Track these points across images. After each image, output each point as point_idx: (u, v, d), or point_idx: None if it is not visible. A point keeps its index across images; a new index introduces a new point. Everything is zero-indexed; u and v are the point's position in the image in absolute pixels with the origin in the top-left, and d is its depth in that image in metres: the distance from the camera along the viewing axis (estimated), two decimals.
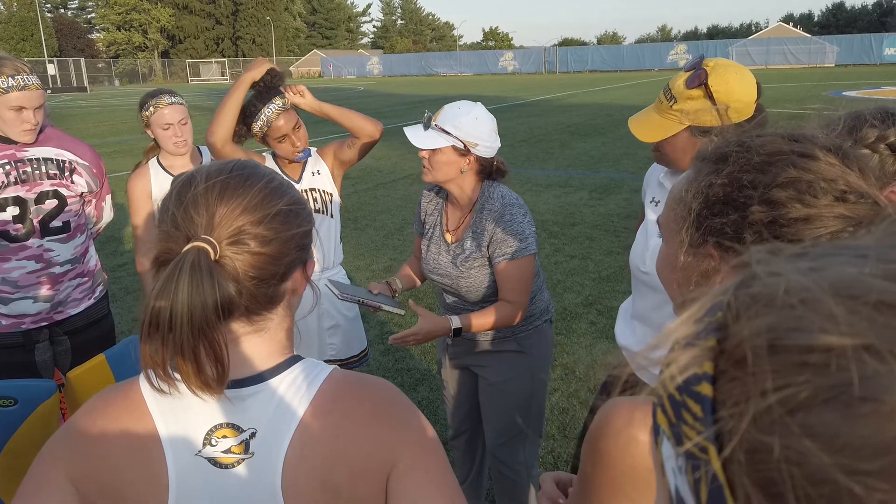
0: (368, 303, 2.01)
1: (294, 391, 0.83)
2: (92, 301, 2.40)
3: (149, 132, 2.60)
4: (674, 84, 1.54)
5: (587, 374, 3.76)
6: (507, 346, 2.17)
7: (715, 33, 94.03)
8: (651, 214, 1.76)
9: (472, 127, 1.95)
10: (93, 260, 2.43)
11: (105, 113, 23.87)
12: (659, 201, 1.76)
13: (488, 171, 2.04)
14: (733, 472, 0.28)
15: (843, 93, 19.58)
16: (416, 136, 1.97)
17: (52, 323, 2.31)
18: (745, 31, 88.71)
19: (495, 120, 2.03)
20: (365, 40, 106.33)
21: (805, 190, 0.69)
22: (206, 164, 0.87)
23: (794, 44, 44.25)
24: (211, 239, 0.77)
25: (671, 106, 1.53)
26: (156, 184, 2.74)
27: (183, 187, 0.82)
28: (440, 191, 2.18)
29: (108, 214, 2.55)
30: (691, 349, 0.32)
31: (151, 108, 2.57)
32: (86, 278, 2.38)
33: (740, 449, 0.28)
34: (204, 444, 0.81)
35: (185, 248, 0.76)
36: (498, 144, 2.03)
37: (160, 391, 0.79)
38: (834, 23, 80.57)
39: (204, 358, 0.74)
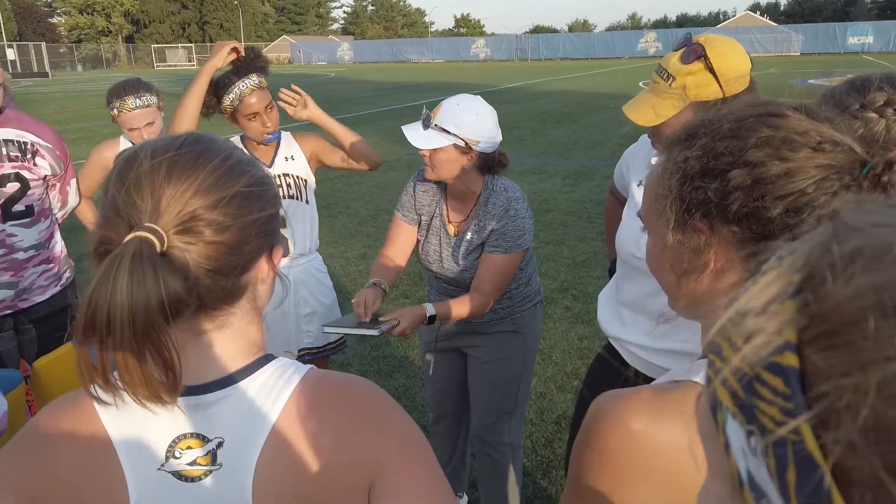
0: (350, 334, 1.95)
1: (265, 395, 0.75)
2: (58, 288, 2.33)
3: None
4: (668, 63, 1.51)
5: (563, 360, 3.77)
6: (502, 327, 2.18)
7: (684, 21, 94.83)
8: (640, 196, 1.75)
9: (472, 124, 1.90)
10: (58, 246, 2.35)
11: (68, 99, 23.24)
12: None
13: (490, 164, 2.01)
14: (845, 454, 0.25)
15: (809, 81, 19.91)
16: (416, 135, 1.92)
17: (16, 311, 2.23)
18: (714, 20, 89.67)
19: (496, 112, 1.99)
20: (335, 26, 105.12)
21: (780, 146, 0.69)
22: (152, 140, 0.75)
23: (761, 32, 44.80)
24: (156, 227, 0.66)
25: (670, 85, 1.49)
26: None
27: (125, 166, 0.71)
28: (438, 181, 2.14)
29: (73, 199, 2.47)
30: (766, 316, 0.29)
31: (115, 110, 2.56)
32: (51, 265, 2.30)
33: (854, 427, 0.24)
34: (167, 457, 0.73)
35: (126, 238, 0.65)
36: (499, 138, 1.99)
37: (103, 403, 0.70)
38: (799, 12, 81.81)
39: (151, 364, 0.65)
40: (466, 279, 2.07)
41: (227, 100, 2.21)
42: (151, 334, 0.64)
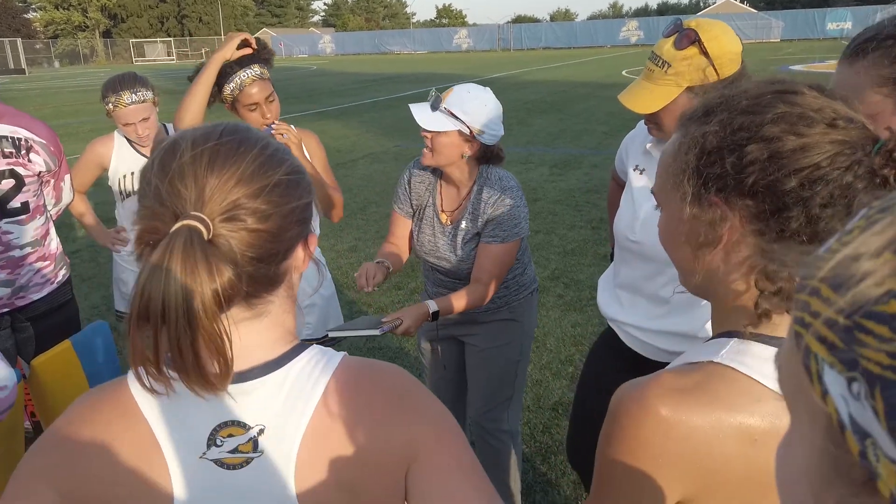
0: (356, 336, 1.95)
1: (303, 382, 0.76)
2: (55, 286, 2.31)
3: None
4: (661, 51, 1.53)
5: (558, 347, 3.81)
6: (499, 316, 2.19)
7: (665, 9, 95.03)
8: (637, 181, 1.77)
9: (480, 113, 1.92)
10: (54, 243, 2.34)
11: (46, 95, 22.89)
12: (644, 169, 1.76)
13: (488, 157, 2.03)
14: None
15: (790, 67, 20.07)
16: (424, 116, 1.93)
17: (13, 309, 2.21)
18: (695, 8, 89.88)
19: (501, 107, 2.01)
20: (316, 18, 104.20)
21: (796, 121, 0.71)
22: (191, 129, 0.75)
23: (742, 19, 45.02)
24: (202, 216, 0.67)
25: (665, 72, 1.52)
26: (117, 156, 2.71)
27: (166, 156, 0.71)
28: (433, 169, 2.14)
29: (67, 195, 2.44)
30: (880, 260, 0.29)
31: (111, 105, 2.55)
32: (48, 261, 2.28)
33: None
34: (209, 446, 0.74)
35: (174, 227, 0.66)
36: (502, 132, 2.01)
37: (154, 392, 0.71)
38: None
39: (204, 352, 0.66)
40: (463, 270, 2.08)
41: (228, 89, 2.20)
42: (205, 322, 0.65)
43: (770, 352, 0.75)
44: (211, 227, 0.67)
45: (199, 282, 0.64)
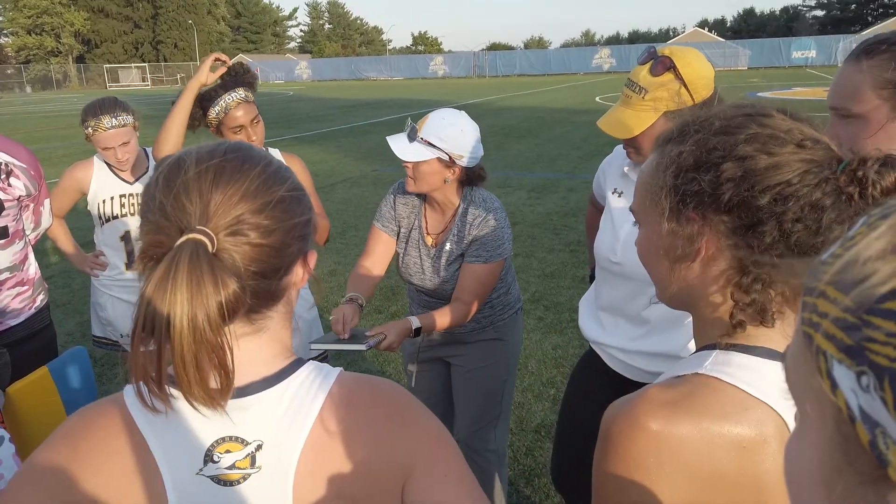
0: (338, 349, 1.95)
1: (302, 397, 0.76)
2: (33, 311, 2.27)
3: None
4: (637, 77, 1.58)
5: (539, 369, 3.82)
6: (485, 335, 2.20)
7: (636, 38, 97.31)
8: (616, 203, 1.80)
9: (457, 139, 1.93)
10: (32, 267, 2.30)
11: (18, 121, 22.60)
12: (622, 191, 1.80)
13: (471, 178, 2.05)
14: None
15: (757, 94, 20.61)
16: (401, 147, 1.94)
17: None
18: (664, 36, 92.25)
19: (478, 128, 2.03)
20: (292, 44, 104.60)
21: (767, 141, 0.75)
22: (195, 146, 0.77)
23: (710, 48, 46.21)
24: (207, 230, 0.68)
25: (643, 98, 1.57)
26: (97, 181, 2.69)
27: (171, 172, 0.72)
28: (419, 193, 2.15)
29: (46, 220, 2.42)
30: (882, 261, 0.32)
31: (90, 129, 2.53)
32: (25, 286, 2.25)
33: None
34: (206, 461, 0.73)
35: (180, 241, 0.67)
36: (481, 153, 2.03)
37: (154, 410, 0.71)
38: (745, 27, 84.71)
39: (206, 366, 0.66)
40: (447, 290, 2.09)
41: (213, 112, 2.21)
42: (209, 334, 0.65)
43: (750, 361, 0.78)
44: (216, 240, 0.68)
45: (205, 294, 0.65)
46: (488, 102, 23.73)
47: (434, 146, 1.91)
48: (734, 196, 0.76)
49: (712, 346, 0.82)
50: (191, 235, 0.67)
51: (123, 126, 2.57)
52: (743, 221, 0.76)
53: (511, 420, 3.26)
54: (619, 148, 1.87)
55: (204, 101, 2.21)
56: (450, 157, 1.93)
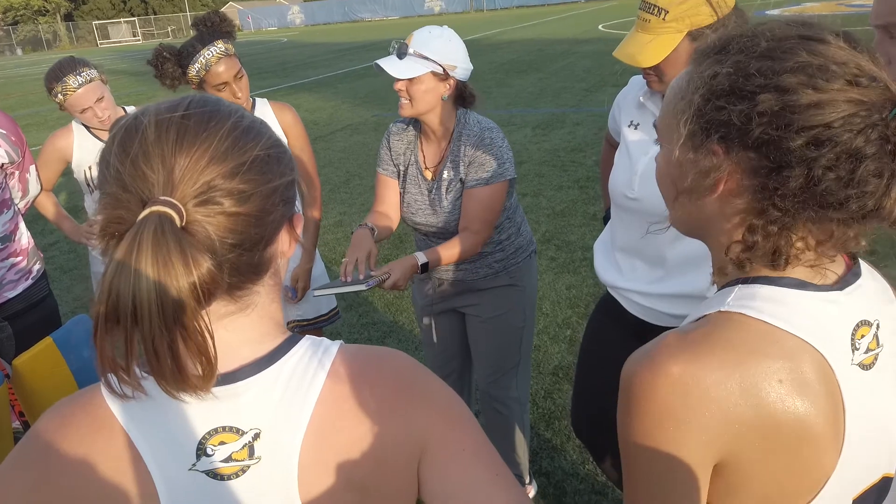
0: (342, 293, 1.85)
1: (300, 378, 0.69)
2: (30, 282, 2.20)
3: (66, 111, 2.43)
4: None
5: (554, 310, 3.76)
6: (499, 282, 2.12)
7: None
8: (631, 136, 1.69)
9: (448, 49, 1.86)
10: (24, 237, 2.22)
11: (11, 84, 22.28)
12: (639, 123, 1.68)
13: (463, 97, 1.97)
14: None
15: (766, 12, 19.91)
16: (394, 66, 1.84)
17: None
18: None
19: (463, 42, 1.96)
20: None
21: (816, 74, 0.66)
22: (153, 103, 0.67)
23: None
24: (173, 200, 0.59)
25: (663, 19, 1.45)
26: (79, 147, 2.56)
27: (126, 135, 0.63)
28: (409, 127, 2.06)
29: (34, 187, 2.32)
30: None
31: (60, 95, 2.38)
32: (20, 257, 2.17)
33: None
34: (199, 456, 0.66)
35: (142, 215, 0.58)
36: (471, 67, 1.96)
37: (125, 397, 0.63)
38: None
39: (183, 353, 0.59)
40: (453, 226, 2.00)
41: (193, 70, 2.07)
42: (183, 319, 0.58)
43: (775, 292, 0.72)
44: (184, 212, 0.60)
45: (174, 275, 0.57)
46: (487, 38, 23.09)
47: (427, 58, 1.84)
48: (764, 133, 0.67)
49: (735, 283, 0.76)
50: (154, 208, 0.58)
51: (91, 81, 2.41)
52: (769, 162, 0.68)
53: None
54: (635, 79, 1.76)
55: (182, 58, 2.07)
56: (443, 70, 1.85)
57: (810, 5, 21.85)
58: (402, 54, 1.85)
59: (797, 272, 0.73)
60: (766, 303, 0.71)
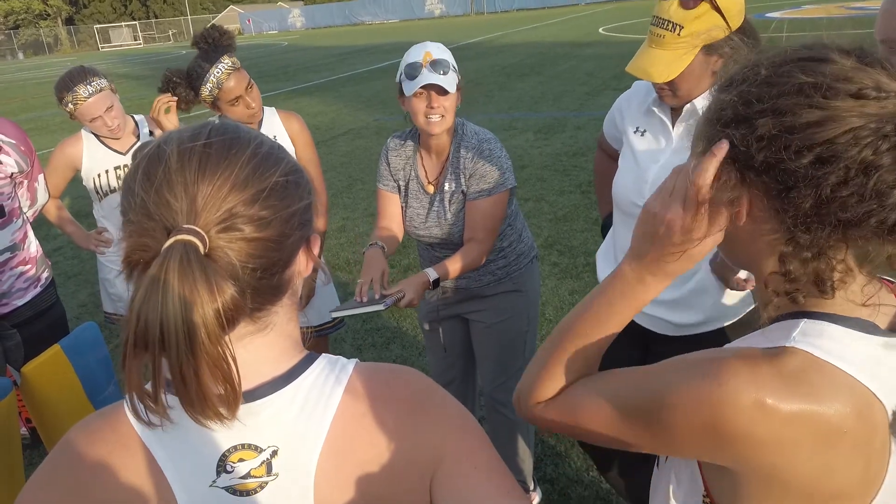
0: (359, 314, 1.87)
1: (317, 396, 0.71)
2: (38, 290, 2.23)
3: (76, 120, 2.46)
4: (668, 13, 1.46)
5: (557, 316, 3.77)
6: (502, 288, 2.15)
7: None
8: (639, 144, 1.70)
9: (452, 61, 1.92)
10: (33, 245, 2.24)
11: (13, 89, 22.33)
12: (646, 130, 1.69)
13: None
14: None
15: (766, 14, 19.93)
16: (447, 82, 1.85)
17: None
18: None
19: None
20: None
21: (812, 93, 0.67)
22: (175, 130, 0.70)
23: None
24: (196, 228, 0.61)
25: (678, 34, 1.45)
26: (88, 156, 2.58)
27: (150, 164, 0.65)
28: (407, 141, 2.08)
29: (42, 195, 2.34)
30: None
31: (71, 105, 2.40)
32: (28, 265, 2.19)
33: None
34: (218, 473, 0.68)
35: (168, 244, 0.60)
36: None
37: (150, 425, 0.65)
38: None
39: (207, 378, 0.60)
40: (457, 236, 2.03)
41: (206, 90, 2.10)
42: (208, 346, 0.59)
43: (841, 331, 0.71)
44: (207, 240, 0.61)
45: (200, 302, 0.58)
46: (488, 41, 23.12)
47: (457, 71, 1.90)
48: (768, 157, 0.68)
49: (795, 315, 0.74)
50: (179, 237, 0.60)
51: (101, 90, 2.44)
52: (779, 184, 0.69)
53: None
54: (639, 84, 1.76)
55: (192, 79, 2.10)
56: (458, 82, 1.91)
57: (810, 7, 21.86)
58: (445, 70, 1.85)
59: (860, 311, 0.72)
60: (835, 343, 0.70)
